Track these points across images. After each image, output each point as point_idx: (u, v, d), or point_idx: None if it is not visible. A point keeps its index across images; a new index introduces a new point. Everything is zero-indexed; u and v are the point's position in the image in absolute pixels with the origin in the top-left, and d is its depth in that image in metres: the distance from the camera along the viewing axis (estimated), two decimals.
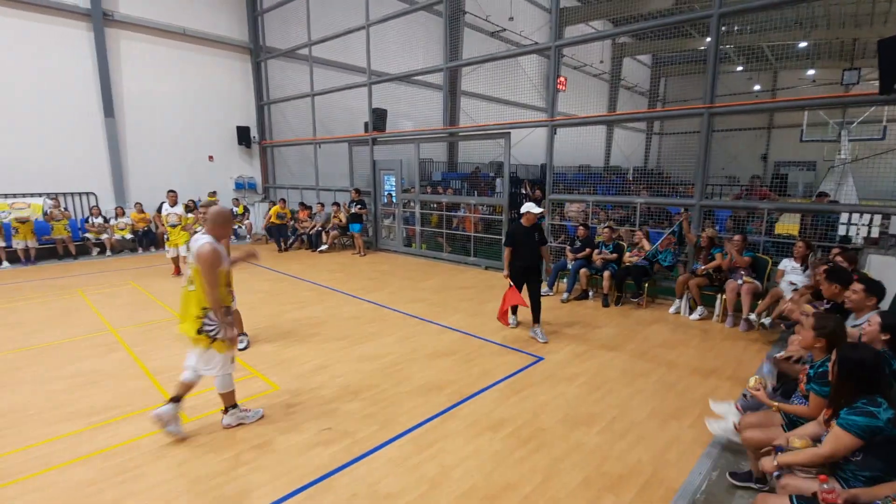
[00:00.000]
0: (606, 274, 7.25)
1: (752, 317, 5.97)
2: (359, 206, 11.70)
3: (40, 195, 11.21)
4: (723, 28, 6.83)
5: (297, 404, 4.16)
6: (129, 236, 11.90)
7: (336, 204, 12.79)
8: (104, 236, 11.53)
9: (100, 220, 11.60)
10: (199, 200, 12.93)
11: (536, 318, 5.84)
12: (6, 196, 10.69)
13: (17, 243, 10.26)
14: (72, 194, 11.91)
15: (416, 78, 11.57)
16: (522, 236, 5.75)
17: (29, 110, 11.06)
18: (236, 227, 13.47)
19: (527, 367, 4.97)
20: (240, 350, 5.30)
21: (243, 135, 14.92)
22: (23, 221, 10.19)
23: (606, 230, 7.79)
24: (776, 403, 2.97)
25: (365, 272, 9.84)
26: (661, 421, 3.90)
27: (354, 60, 12.65)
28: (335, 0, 12.70)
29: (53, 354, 5.31)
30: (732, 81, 16.99)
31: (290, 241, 12.75)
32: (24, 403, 4.17)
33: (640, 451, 3.48)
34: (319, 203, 13.20)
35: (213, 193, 13.65)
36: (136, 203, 12.34)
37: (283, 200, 13.37)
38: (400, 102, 12.59)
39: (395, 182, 12.11)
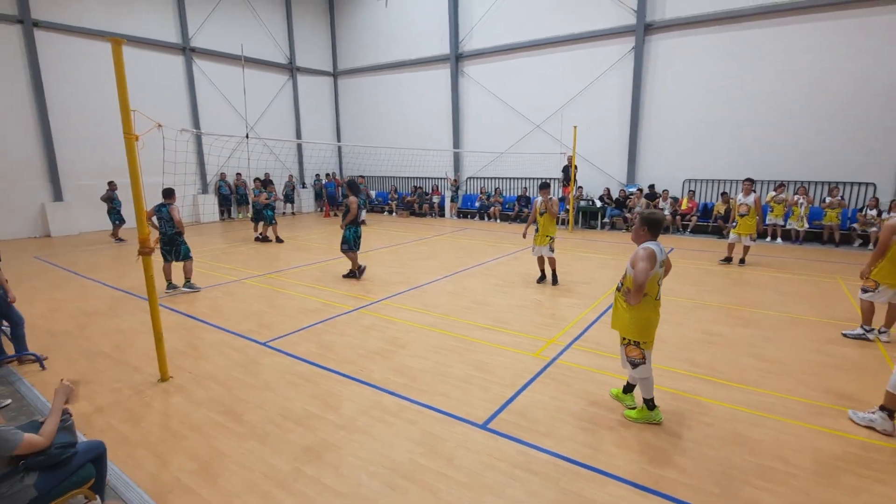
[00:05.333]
0: None
1: None
2: None
3: (819, 183, 11.73)
4: None
5: None
6: None
7: None
8: (872, 230, 10.64)
9: (874, 212, 10.72)
10: None
11: None
12: (798, 184, 11.93)
13: (791, 224, 11.41)
14: (850, 184, 11.58)
15: None
16: None
17: (838, 102, 11.45)
18: None
19: None
20: None
21: None
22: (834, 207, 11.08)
23: None
24: None
25: None
26: None
27: None
28: None
29: (804, 328, 5.75)
30: None
31: None
32: (789, 359, 4.87)
33: None
34: None
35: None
36: None
37: None
38: None
39: None
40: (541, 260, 7.91)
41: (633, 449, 3.38)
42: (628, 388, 3.97)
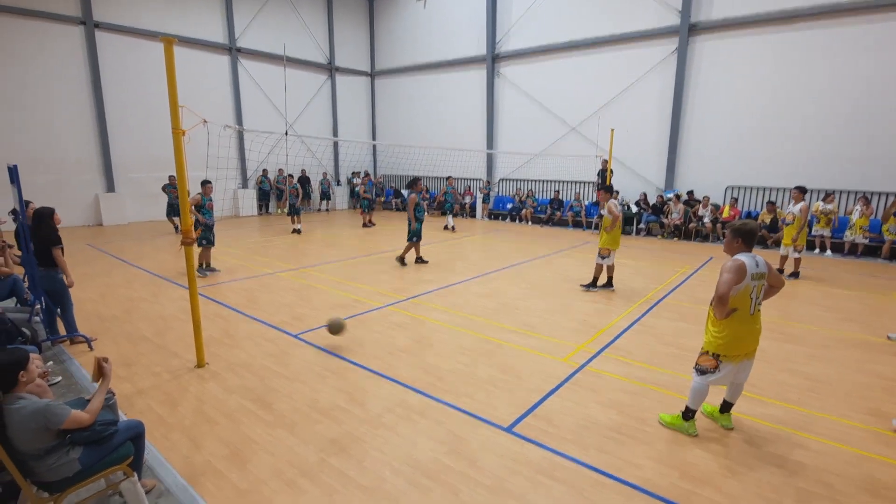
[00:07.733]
0: None
1: None
2: None
3: (877, 194, 10.99)
4: None
5: None
6: None
7: None
8: None
9: None
10: None
11: None
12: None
13: (847, 236, 10.78)
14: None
15: None
16: None
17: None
18: None
19: None
20: None
21: None
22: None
23: None
24: None
25: None
26: None
27: None
28: None
29: (852, 346, 5.40)
30: None
31: None
32: (834, 378, 4.59)
33: None
34: None
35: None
36: None
37: None
38: None
39: None
40: (607, 268, 7.57)
41: (663, 462, 3.26)
42: (725, 407, 3.73)
